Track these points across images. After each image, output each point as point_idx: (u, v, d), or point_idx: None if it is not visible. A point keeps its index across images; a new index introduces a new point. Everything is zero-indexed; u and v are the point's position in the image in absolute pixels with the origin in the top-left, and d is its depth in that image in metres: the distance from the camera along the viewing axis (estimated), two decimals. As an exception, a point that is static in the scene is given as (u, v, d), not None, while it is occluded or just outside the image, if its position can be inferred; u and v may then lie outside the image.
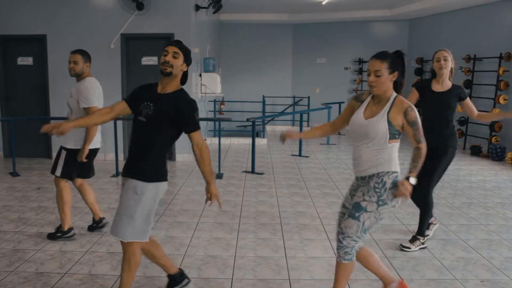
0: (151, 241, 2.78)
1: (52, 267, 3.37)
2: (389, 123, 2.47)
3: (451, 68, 3.74)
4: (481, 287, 3.12)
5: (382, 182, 2.50)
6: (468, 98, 3.77)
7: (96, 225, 4.15)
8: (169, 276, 2.98)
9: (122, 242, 2.62)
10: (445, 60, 3.69)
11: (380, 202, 2.49)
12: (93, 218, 4.18)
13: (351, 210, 2.55)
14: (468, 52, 8.98)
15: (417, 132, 2.49)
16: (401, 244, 3.79)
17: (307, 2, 10.41)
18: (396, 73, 2.49)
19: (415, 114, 2.48)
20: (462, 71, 8.91)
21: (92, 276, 3.22)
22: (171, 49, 2.59)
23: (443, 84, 3.75)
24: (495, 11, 8.54)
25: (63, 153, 3.87)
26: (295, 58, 13.25)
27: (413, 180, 2.43)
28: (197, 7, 7.86)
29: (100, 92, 3.92)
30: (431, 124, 3.66)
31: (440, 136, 3.69)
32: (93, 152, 3.94)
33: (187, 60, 2.66)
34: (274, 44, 13.14)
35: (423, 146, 2.50)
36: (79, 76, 3.87)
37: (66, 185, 3.90)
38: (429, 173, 3.57)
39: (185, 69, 2.67)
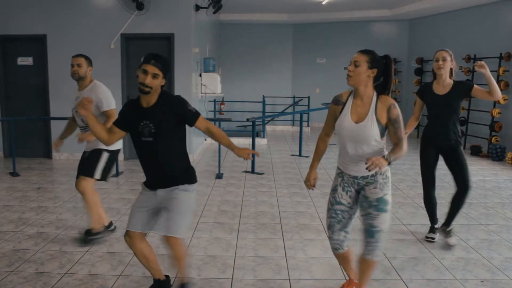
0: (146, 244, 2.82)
1: (52, 267, 3.37)
2: (378, 123, 2.49)
3: (451, 68, 3.74)
4: (481, 287, 3.12)
5: (387, 177, 2.59)
6: (475, 87, 3.70)
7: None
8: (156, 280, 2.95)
9: (172, 240, 2.66)
10: (443, 60, 3.69)
11: (389, 193, 2.60)
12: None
13: (378, 205, 2.54)
14: (468, 52, 8.98)
15: (398, 130, 2.50)
16: (448, 243, 3.86)
17: (307, 2, 10.41)
18: (375, 70, 2.49)
19: (398, 112, 2.49)
20: (462, 71, 8.91)
21: (92, 276, 3.22)
22: (151, 69, 2.52)
23: (444, 85, 3.75)
24: (495, 11, 8.54)
25: (105, 155, 3.80)
26: (295, 58, 13.25)
27: (389, 160, 2.39)
28: (197, 7, 7.86)
29: None
30: (439, 126, 3.77)
31: (450, 136, 3.77)
32: (115, 154, 3.92)
33: (166, 75, 2.65)
34: (274, 44, 13.14)
35: (403, 143, 2.50)
36: (82, 80, 3.81)
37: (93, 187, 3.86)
38: (461, 172, 3.75)
39: (163, 83, 2.65)
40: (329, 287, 3.12)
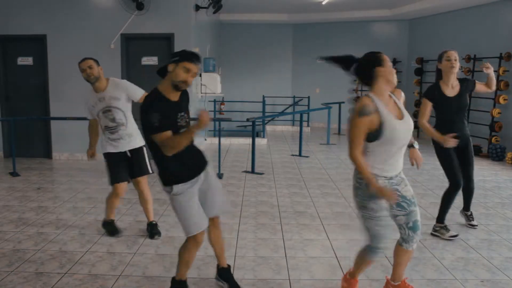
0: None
1: (52, 267, 3.37)
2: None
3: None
4: (481, 287, 3.12)
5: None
6: (477, 83, 4.00)
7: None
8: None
9: (217, 219, 2.91)
10: (455, 60, 3.81)
11: None
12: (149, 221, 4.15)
13: (415, 201, 2.64)
14: (468, 52, 8.98)
15: None
16: (469, 224, 4.33)
17: (307, 2, 10.41)
18: None
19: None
20: (462, 71, 8.91)
21: (92, 276, 3.22)
22: (194, 69, 2.63)
23: (453, 85, 3.87)
24: (495, 11, 8.54)
25: (145, 150, 3.94)
26: (295, 58, 13.25)
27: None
28: (197, 7, 7.87)
29: None
30: (458, 127, 3.91)
31: (463, 132, 3.94)
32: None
33: None
34: (274, 44, 13.14)
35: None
36: (98, 81, 3.75)
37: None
38: (470, 168, 4.05)
39: None
40: (329, 287, 3.12)
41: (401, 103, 2.61)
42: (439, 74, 3.89)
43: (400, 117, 2.52)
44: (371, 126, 2.42)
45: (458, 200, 5.32)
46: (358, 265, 2.86)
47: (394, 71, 2.55)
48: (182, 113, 2.68)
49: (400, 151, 2.56)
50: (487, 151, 8.40)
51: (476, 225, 4.34)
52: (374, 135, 2.44)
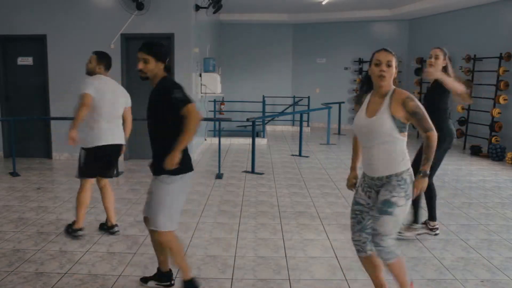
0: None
1: (52, 267, 3.37)
2: (393, 118, 2.45)
3: (444, 66, 3.80)
4: (481, 287, 3.12)
5: (403, 179, 2.50)
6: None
7: (107, 228, 4.14)
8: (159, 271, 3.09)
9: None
10: (436, 57, 3.80)
11: (407, 196, 2.51)
12: (106, 221, 4.17)
13: (382, 207, 2.48)
14: (468, 52, 8.98)
15: (421, 121, 2.47)
16: (416, 234, 4.04)
17: (307, 2, 10.41)
18: (397, 69, 2.55)
19: (415, 103, 2.46)
20: (462, 71, 8.91)
21: (92, 276, 3.22)
22: (139, 55, 2.76)
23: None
24: (495, 11, 8.54)
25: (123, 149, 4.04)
26: (295, 58, 13.25)
27: (426, 174, 2.49)
28: (197, 7, 7.86)
29: None
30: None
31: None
32: (115, 149, 3.96)
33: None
34: (274, 44, 13.14)
35: (431, 134, 2.48)
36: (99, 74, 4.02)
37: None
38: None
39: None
40: (329, 287, 3.12)
41: (388, 107, 2.48)
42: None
43: (370, 116, 2.52)
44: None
45: (459, 200, 5.33)
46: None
47: (383, 70, 2.48)
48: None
49: (369, 151, 2.55)
50: (487, 151, 8.40)
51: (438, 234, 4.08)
52: None
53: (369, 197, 2.63)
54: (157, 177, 2.77)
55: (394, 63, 2.49)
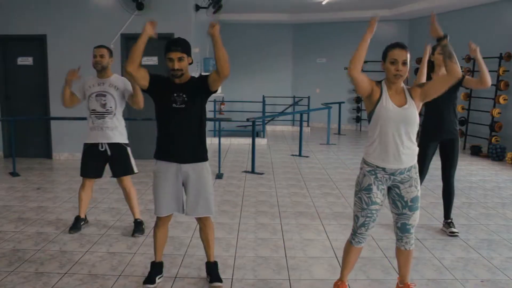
0: None
1: (52, 267, 3.37)
2: (415, 108, 2.56)
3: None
4: (481, 287, 3.12)
5: (416, 168, 2.63)
6: (465, 78, 4.15)
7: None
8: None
9: (203, 220, 3.07)
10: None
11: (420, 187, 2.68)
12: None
13: (413, 204, 2.61)
14: (468, 52, 8.95)
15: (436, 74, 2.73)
16: (450, 232, 4.08)
17: (307, 2, 10.41)
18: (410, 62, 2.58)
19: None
20: (463, 71, 8.90)
21: (92, 276, 3.22)
22: (174, 54, 2.82)
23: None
24: (495, 11, 8.54)
25: (129, 149, 4.03)
26: (295, 58, 13.25)
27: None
28: (197, 7, 7.87)
29: None
30: (441, 119, 4.04)
31: (450, 128, 4.08)
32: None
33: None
34: (274, 44, 13.14)
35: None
36: (104, 69, 4.06)
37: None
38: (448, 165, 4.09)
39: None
40: (329, 287, 3.12)
41: (408, 95, 2.59)
42: (431, 67, 3.95)
43: (399, 105, 2.54)
44: (371, 88, 2.55)
45: (459, 200, 5.33)
46: (344, 263, 2.88)
47: (399, 70, 2.50)
48: (180, 93, 2.86)
49: (397, 139, 2.52)
50: (487, 151, 8.40)
51: (457, 233, 4.07)
52: (371, 111, 2.59)
53: (383, 194, 2.67)
54: (196, 164, 2.91)
55: (409, 60, 2.51)
